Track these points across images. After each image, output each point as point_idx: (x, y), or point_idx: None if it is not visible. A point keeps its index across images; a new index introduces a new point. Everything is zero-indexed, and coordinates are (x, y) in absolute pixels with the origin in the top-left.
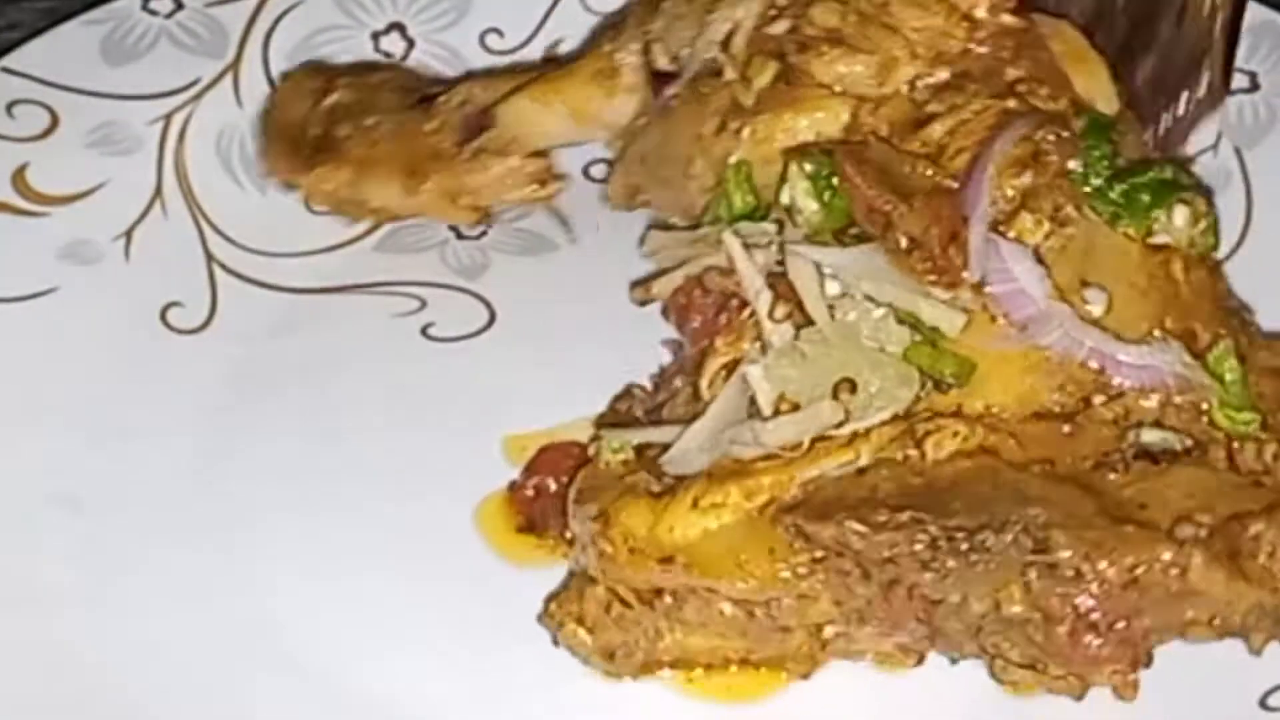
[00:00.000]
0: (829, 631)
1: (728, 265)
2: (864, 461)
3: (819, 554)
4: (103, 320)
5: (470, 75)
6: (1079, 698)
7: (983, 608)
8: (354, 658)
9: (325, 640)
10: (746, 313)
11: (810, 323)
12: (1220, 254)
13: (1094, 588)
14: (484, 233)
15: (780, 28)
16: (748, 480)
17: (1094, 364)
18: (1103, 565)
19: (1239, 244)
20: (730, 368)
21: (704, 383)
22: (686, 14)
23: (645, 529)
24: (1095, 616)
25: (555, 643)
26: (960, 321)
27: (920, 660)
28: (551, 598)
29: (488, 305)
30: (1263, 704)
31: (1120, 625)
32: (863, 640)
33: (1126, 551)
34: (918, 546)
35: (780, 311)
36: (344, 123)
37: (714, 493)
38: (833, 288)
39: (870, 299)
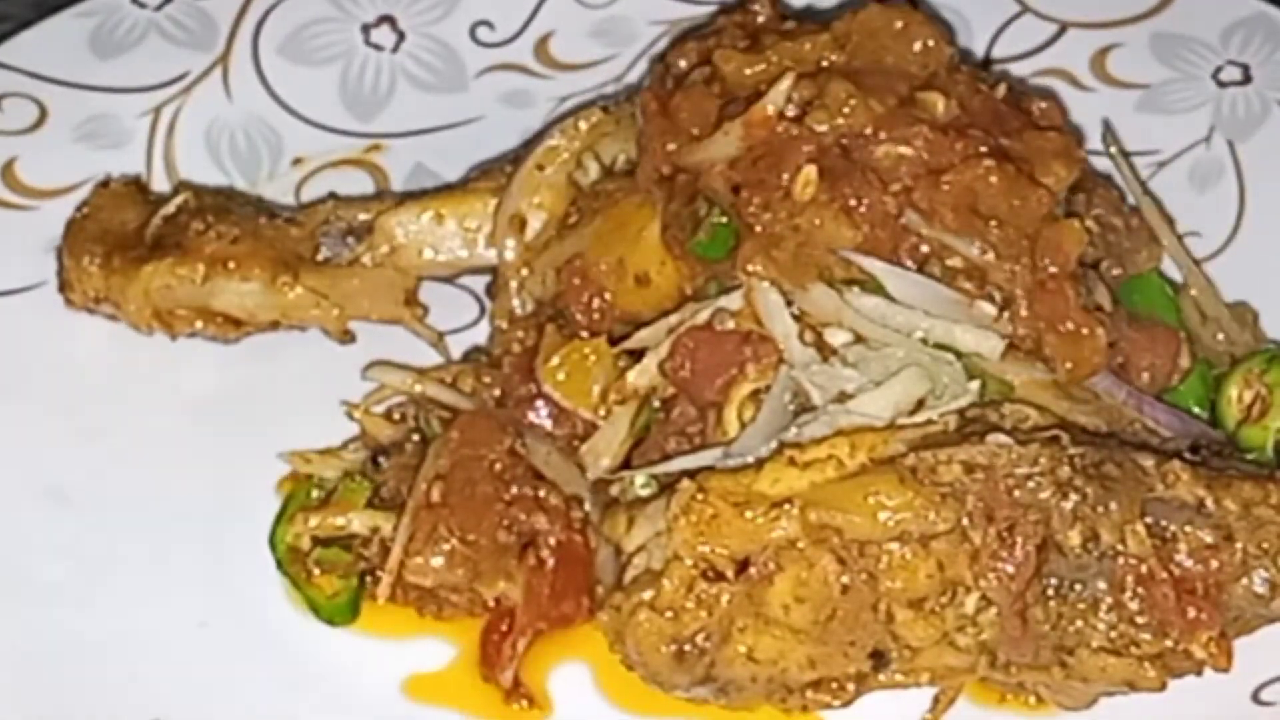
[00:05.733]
0: (892, 653)
1: (737, 308)
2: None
3: (944, 490)
4: (94, 315)
5: (332, 195)
6: (1161, 688)
7: (1111, 539)
8: (345, 651)
9: (312, 635)
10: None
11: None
12: (1213, 248)
13: (1211, 521)
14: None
15: None
16: (851, 435)
17: (1131, 402)
18: (1220, 493)
19: (1231, 238)
20: (757, 394)
21: (731, 411)
22: (614, 131)
23: (744, 488)
24: (1197, 584)
25: (612, 649)
26: (999, 345)
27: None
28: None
29: (478, 299)
30: (1256, 698)
31: (1215, 593)
32: (924, 657)
33: (1244, 484)
34: (1059, 464)
35: (809, 336)
36: (196, 221)
37: (813, 450)
38: (842, 336)
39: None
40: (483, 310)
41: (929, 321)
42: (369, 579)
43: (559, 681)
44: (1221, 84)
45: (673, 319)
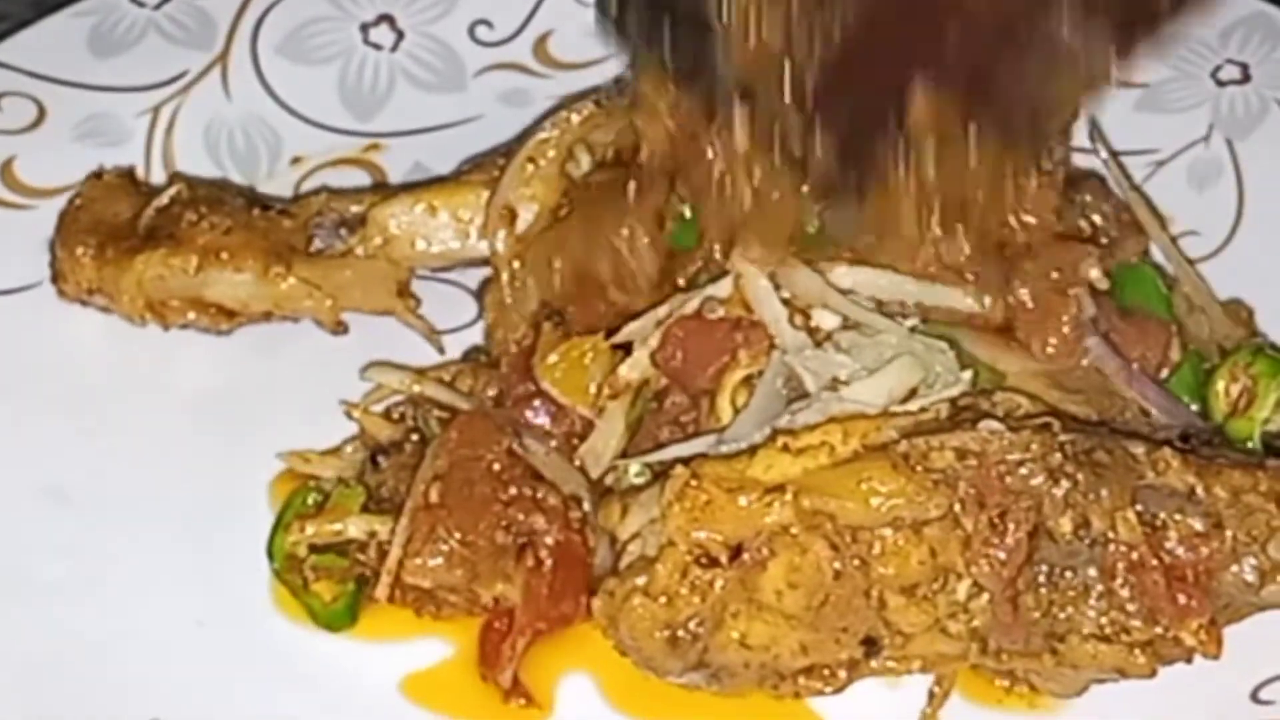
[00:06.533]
0: (884, 639)
1: (726, 295)
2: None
3: (936, 477)
4: (91, 313)
5: (325, 189)
6: (1151, 675)
7: (1102, 526)
8: (343, 651)
9: (311, 634)
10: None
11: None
12: (1211, 247)
13: (1202, 508)
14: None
15: None
16: (844, 422)
17: (1123, 377)
18: (1210, 481)
19: (1230, 237)
20: (749, 380)
21: (724, 398)
22: (605, 123)
23: (737, 474)
24: (1187, 571)
25: (606, 634)
26: (984, 304)
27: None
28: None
29: (476, 297)
30: (1254, 697)
31: (1205, 580)
32: (916, 644)
33: (1234, 472)
34: (1050, 451)
35: (800, 320)
36: (189, 212)
37: (806, 436)
38: (832, 320)
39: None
40: (481, 309)
41: (914, 285)
42: (366, 584)
43: (562, 689)
44: (1220, 83)
45: (661, 310)
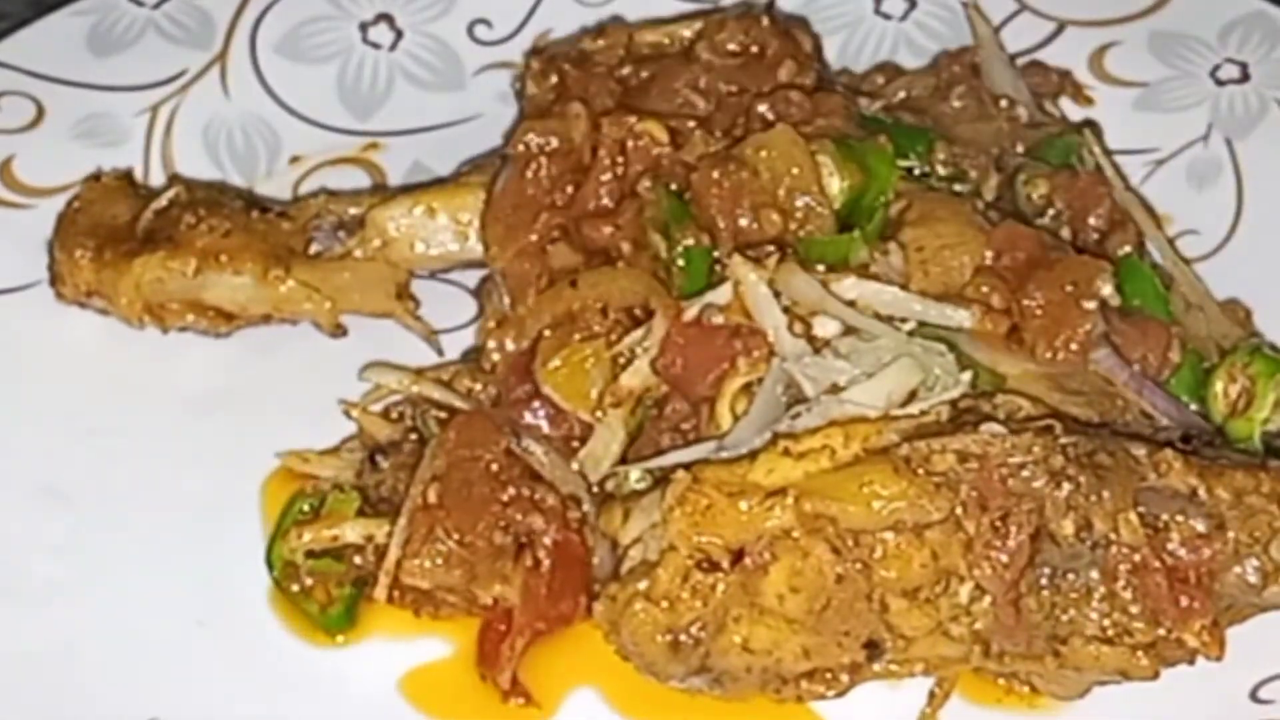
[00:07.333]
0: (887, 643)
1: (725, 302)
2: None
3: (938, 479)
4: (90, 314)
5: (325, 190)
6: (1154, 677)
7: (1104, 528)
8: (342, 651)
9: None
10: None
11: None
12: (1211, 246)
13: (1204, 510)
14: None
15: None
16: (845, 426)
17: (1133, 386)
18: (1213, 482)
19: (1229, 235)
20: (749, 387)
21: (724, 405)
22: None
23: (738, 478)
24: (1189, 572)
25: (607, 638)
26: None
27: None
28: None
29: (475, 296)
30: (1254, 696)
31: (1208, 581)
32: (918, 647)
33: (1236, 473)
34: (1052, 453)
35: (799, 327)
36: (188, 214)
37: (807, 440)
38: (832, 327)
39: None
40: (480, 309)
41: (919, 303)
42: (365, 586)
43: (566, 693)
44: (1220, 82)
45: (660, 318)
